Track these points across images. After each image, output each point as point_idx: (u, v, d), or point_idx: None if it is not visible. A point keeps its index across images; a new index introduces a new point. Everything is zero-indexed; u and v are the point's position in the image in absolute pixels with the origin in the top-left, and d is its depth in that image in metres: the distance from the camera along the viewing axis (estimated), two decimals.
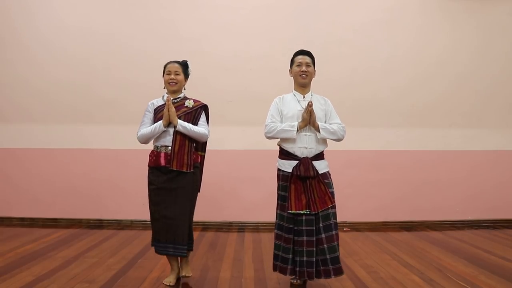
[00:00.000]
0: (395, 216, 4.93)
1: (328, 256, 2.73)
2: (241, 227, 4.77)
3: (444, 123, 5.05)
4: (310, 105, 2.74)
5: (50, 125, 4.89)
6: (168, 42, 4.80)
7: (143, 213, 4.74)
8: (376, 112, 4.94)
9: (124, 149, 4.83)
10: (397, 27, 4.99)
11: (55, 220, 4.81)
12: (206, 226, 4.73)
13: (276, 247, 2.87)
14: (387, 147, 4.96)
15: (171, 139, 2.82)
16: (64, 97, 4.88)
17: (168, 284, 2.85)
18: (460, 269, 3.27)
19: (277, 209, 2.90)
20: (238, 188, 4.83)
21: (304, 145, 2.80)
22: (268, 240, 4.25)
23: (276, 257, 2.88)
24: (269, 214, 4.75)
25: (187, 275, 2.93)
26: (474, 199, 5.01)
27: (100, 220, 4.82)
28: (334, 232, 2.77)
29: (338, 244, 2.80)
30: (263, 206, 4.80)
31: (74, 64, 4.87)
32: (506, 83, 5.10)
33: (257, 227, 4.76)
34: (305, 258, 2.74)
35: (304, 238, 2.74)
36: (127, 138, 4.81)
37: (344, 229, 4.69)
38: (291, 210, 2.74)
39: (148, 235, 4.34)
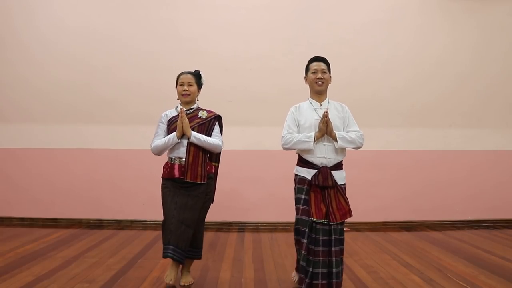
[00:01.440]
0: (395, 216, 4.93)
1: (334, 270, 2.70)
2: (241, 227, 4.77)
3: (444, 123, 5.05)
4: (326, 115, 2.68)
5: (50, 125, 4.90)
6: (168, 42, 4.80)
7: (143, 213, 4.77)
8: (376, 112, 4.94)
9: (124, 149, 4.83)
10: (397, 27, 4.99)
11: (55, 220, 4.81)
12: (206, 226, 4.66)
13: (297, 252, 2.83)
14: (387, 147, 4.96)
15: (185, 150, 2.81)
16: (64, 97, 4.88)
17: (168, 281, 2.84)
18: (460, 269, 3.27)
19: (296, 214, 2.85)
20: (238, 188, 4.83)
21: (323, 155, 2.76)
22: (268, 240, 4.25)
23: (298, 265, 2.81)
24: (269, 214, 4.77)
25: (186, 284, 2.87)
26: (474, 199, 5.01)
27: (100, 220, 4.82)
28: (342, 247, 2.80)
29: (342, 258, 2.79)
30: (263, 206, 4.80)
31: (74, 64, 4.88)
32: (506, 83, 5.10)
33: (257, 227, 4.76)
34: (320, 270, 2.67)
35: (321, 248, 2.69)
36: (127, 138, 4.83)
37: (344, 229, 4.68)
38: (313, 218, 2.70)
39: (148, 235, 4.36)
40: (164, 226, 2.83)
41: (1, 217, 4.83)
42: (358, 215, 4.81)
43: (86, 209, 4.84)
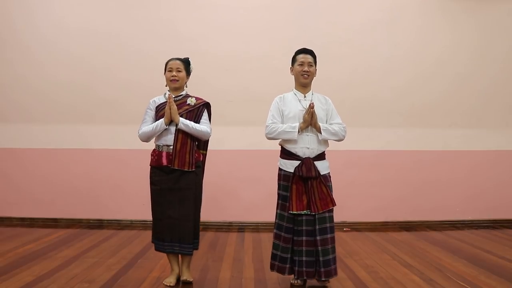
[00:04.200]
0: (395, 216, 4.93)
1: (321, 259, 2.73)
2: (241, 227, 4.77)
3: (444, 123, 5.05)
4: (311, 106, 2.71)
5: (50, 125, 4.89)
6: (168, 42, 4.80)
7: (143, 213, 4.75)
8: (376, 112, 4.94)
9: (124, 149, 4.83)
10: (397, 27, 4.99)
11: (55, 220, 4.81)
12: (206, 226, 4.72)
13: (275, 246, 2.86)
14: (387, 147, 4.95)
15: (173, 137, 2.79)
16: (64, 97, 4.87)
17: (168, 284, 2.85)
18: (460, 269, 3.28)
19: (277, 208, 2.89)
20: (238, 188, 4.83)
21: (306, 146, 2.78)
22: (268, 240, 4.25)
23: (274, 256, 2.87)
24: (269, 214, 4.74)
25: (188, 279, 2.88)
26: (474, 199, 5.01)
27: (100, 220, 4.82)
28: (329, 236, 2.77)
29: (333, 247, 2.80)
30: (263, 206, 4.79)
31: (74, 64, 4.87)
32: (506, 83, 5.10)
33: (257, 227, 4.76)
34: (304, 258, 2.74)
35: (304, 238, 2.74)
36: (127, 138, 4.82)
37: (344, 229, 4.70)
38: (292, 210, 2.73)
39: (148, 235, 4.35)
40: (157, 225, 2.83)
41: (1, 217, 4.83)
42: (358, 215, 4.86)
43: (86, 209, 4.84)
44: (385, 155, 4.95)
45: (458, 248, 3.96)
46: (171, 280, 2.87)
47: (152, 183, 2.88)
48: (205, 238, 4.30)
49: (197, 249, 2.96)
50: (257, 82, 4.85)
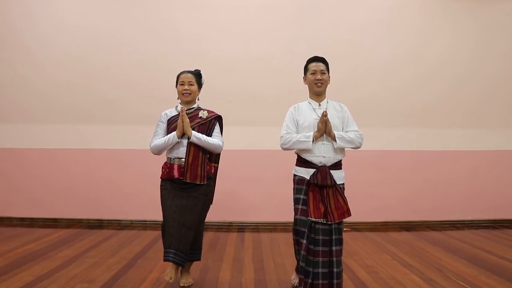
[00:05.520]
0: (395, 216, 4.93)
1: (335, 270, 2.69)
2: (241, 227, 4.77)
3: (444, 123, 5.05)
4: (324, 115, 2.68)
5: (50, 125, 4.90)
6: (168, 42, 4.80)
7: (143, 213, 4.77)
8: (376, 112, 4.94)
9: (124, 149, 4.83)
10: (398, 27, 4.99)
11: (55, 220, 4.81)
12: (206, 226, 4.66)
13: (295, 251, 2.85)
14: (387, 147, 4.96)
15: (185, 150, 2.78)
16: (64, 97, 4.88)
17: (168, 279, 2.82)
18: (460, 269, 3.28)
19: None
20: (238, 188, 4.83)
21: (322, 154, 2.75)
22: (268, 240, 4.25)
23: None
24: (269, 214, 4.77)
25: (185, 285, 2.87)
26: (474, 199, 5.01)
27: (100, 220, 4.82)
28: (342, 247, 2.77)
29: (340, 259, 2.78)
30: (263, 206, 4.80)
31: (74, 64, 4.87)
32: (506, 83, 5.10)
33: (257, 227, 4.76)
34: (320, 270, 2.66)
35: (321, 248, 2.68)
36: (127, 138, 4.83)
37: (344, 229, 4.67)
38: (310, 217, 2.69)
39: (148, 235, 4.37)
40: (164, 229, 2.81)
41: (1, 217, 4.83)
42: (358, 215, 4.82)
43: (86, 209, 4.84)
44: (385, 155, 4.95)
45: (458, 248, 3.96)
46: (171, 275, 2.84)
47: (162, 189, 2.85)
48: (205, 238, 4.28)
49: (196, 260, 2.96)
50: (257, 82, 4.85)
